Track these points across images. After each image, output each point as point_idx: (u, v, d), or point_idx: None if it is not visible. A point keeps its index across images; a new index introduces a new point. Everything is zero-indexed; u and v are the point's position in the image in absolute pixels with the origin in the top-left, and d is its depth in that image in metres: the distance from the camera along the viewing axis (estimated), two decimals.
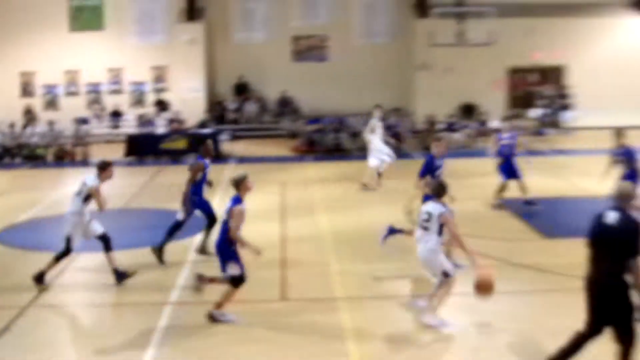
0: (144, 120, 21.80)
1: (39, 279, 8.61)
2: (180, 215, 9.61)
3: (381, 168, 14.49)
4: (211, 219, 9.68)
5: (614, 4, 24.56)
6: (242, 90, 24.42)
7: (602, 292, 5.63)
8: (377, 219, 11.55)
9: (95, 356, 6.80)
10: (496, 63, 23.71)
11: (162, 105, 23.26)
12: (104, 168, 8.85)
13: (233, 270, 7.51)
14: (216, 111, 23.65)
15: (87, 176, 8.94)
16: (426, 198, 8.52)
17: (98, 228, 8.81)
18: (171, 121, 20.88)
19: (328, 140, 20.26)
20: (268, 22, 24.60)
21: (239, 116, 23.95)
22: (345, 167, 18.01)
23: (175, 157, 19.01)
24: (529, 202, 12.44)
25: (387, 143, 15.16)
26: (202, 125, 20.69)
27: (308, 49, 24.93)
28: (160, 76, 24.12)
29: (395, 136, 19.21)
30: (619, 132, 11.31)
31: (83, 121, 21.35)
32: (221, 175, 16.01)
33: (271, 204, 13.41)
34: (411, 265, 9.02)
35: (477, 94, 23.54)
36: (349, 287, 8.91)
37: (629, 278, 5.51)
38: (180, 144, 19.39)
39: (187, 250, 10.22)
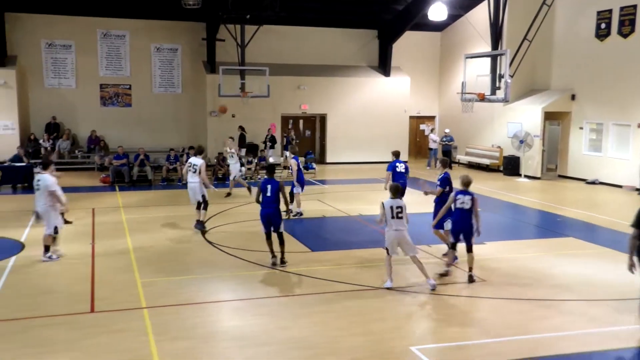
0: None
1: (202, 226, 13.19)
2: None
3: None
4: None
5: (363, 66, 29.09)
6: (54, 128, 25.50)
7: None
8: (175, 237, 12.76)
9: None
10: (272, 111, 27.05)
11: None
12: (201, 152, 13.81)
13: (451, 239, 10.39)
14: (30, 147, 24.11)
15: (192, 159, 13.66)
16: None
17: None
18: None
19: (134, 173, 21.52)
20: (77, 71, 26.15)
21: (52, 151, 24.11)
22: (148, 195, 19.14)
23: None
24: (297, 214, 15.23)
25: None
26: (16, 159, 21.16)
27: (115, 96, 26.72)
28: None
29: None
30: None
31: None
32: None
33: (84, 227, 14.26)
34: (204, 276, 10.39)
35: (258, 136, 26.49)
36: (151, 297, 9.30)
37: None
38: None
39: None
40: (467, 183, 10.11)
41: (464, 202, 10.11)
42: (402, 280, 10.39)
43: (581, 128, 23.24)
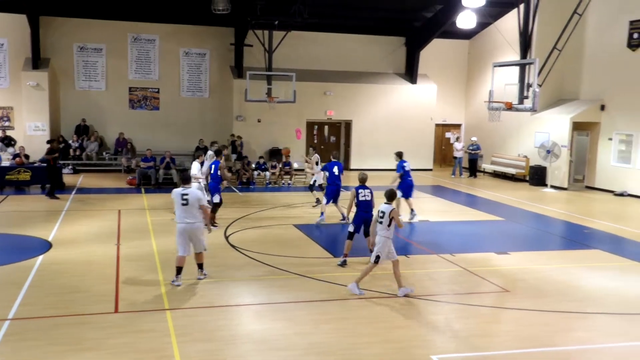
0: None
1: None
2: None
3: None
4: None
5: (389, 73, 29.07)
6: (83, 130, 25.87)
7: None
8: None
9: None
10: (297, 117, 27.12)
11: (7, 141, 24.13)
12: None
13: None
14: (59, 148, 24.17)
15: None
16: None
17: None
18: (16, 155, 21.28)
19: (160, 176, 21.80)
20: (107, 74, 26.55)
21: (81, 153, 25.23)
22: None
23: (19, 187, 20.09)
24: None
25: None
26: (46, 160, 20.10)
27: (143, 99, 27.06)
28: (6, 115, 25.49)
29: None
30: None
31: None
32: (64, 203, 17.75)
33: (109, 228, 14.44)
34: (226, 279, 10.47)
35: (282, 140, 26.68)
36: (174, 298, 9.40)
37: None
38: (24, 176, 20.14)
39: (27, 270, 10.73)
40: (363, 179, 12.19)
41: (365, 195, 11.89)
42: (424, 289, 10.34)
43: (610, 139, 22.91)
